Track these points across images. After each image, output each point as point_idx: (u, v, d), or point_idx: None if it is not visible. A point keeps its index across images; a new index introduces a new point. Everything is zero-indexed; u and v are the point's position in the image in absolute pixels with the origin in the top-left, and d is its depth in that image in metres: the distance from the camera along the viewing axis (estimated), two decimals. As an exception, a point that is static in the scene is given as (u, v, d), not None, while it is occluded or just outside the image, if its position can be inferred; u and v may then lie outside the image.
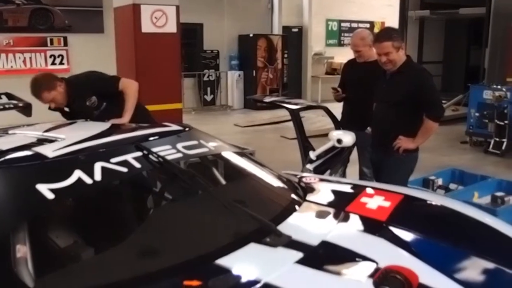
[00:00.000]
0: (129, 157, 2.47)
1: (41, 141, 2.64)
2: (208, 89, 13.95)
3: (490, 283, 2.24)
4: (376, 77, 4.27)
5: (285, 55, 14.78)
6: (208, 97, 14.00)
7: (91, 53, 11.66)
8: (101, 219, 2.63)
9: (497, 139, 8.53)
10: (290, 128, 4.78)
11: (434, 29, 15.97)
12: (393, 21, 14.83)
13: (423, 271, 2.07)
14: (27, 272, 1.92)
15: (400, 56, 4.01)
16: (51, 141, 2.62)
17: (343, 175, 4.52)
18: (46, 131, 2.91)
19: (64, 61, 11.75)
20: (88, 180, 2.25)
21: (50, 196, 2.11)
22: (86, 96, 4.35)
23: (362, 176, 5.06)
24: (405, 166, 4.15)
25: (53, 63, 11.63)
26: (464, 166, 6.64)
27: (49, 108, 4.31)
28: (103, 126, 3.12)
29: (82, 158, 2.39)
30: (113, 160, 2.41)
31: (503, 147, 8.42)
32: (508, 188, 5.08)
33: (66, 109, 4.39)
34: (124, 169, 2.40)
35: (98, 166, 2.33)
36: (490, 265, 2.26)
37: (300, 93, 15.52)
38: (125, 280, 1.96)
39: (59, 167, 2.32)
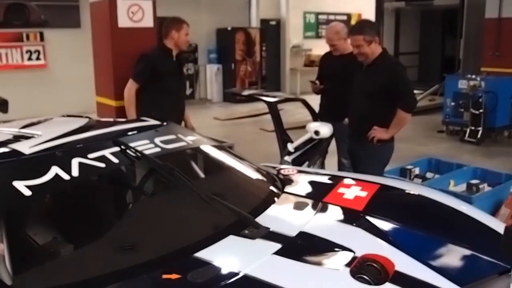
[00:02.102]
0: (106, 152, 2.47)
1: (17, 138, 2.63)
2: (187, 82, 13.89)
3: (465, 269, 2.30)
4: (353, 69, 4.32)
5: (264, 48, 14.77)
6: (187, 91, 13.94)
7: (68, 48, 11.55)
8: (79, 215, 2.63)
9: (473, 128, 8.65)
10: (269, 121, 4.80)
11: (410, 21, 16.09)
12: (369, 13, 14.91)
13: (399, 259, 2.11)
14: (4, 270, 1.90)
15: (372, 49, 4.06)
16: (27, 137, 2.61)
17: (321, 166, 4.56)
18: (23, 127, 2.89)
19: (41, 56, 11.61)
20: (66, 176, 2.25)
21: (27, 192, 2.10)
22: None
23: (340, 166, 5.11)
24: (380, 156, 4.20)
25: (29, 59, 11.49)
26: (441, 155, 6.72)
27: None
28: (80, 121, 3.10)
29: (59, 154, 2.38)
30: (91, 155, 2.41)
31: (479, 136, 8.54)
32: (483, 176, 5.16)
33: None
34: (102, 165, 2.40)
35: (75, 162, 2.33)
36: (465, 251, 2.31)
37: (279, 85, 15.53)
38: (104, 275, 1.97)
39: (36, 164, 2.31)
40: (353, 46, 4.09)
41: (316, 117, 4.88)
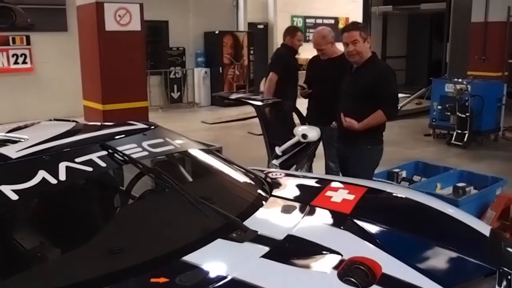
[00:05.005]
0: (94, 156, 2.46)
1: (4, 142, 2.61)
2: (175, 86, 13.86)
3: (451, 271, 2.32)
4: (341, 73, 4.34)
5: (251, 52, 14.78)
6: (175, 95, 13.91)
7: (54, 52, 11.49)
8: (66, 219, 2.61)
9: (459, 131, 8.71)
10: (257, 124, 4.80)
11: (397, 24, 16.20)
12: (357, 17, 14.97)
13: (386, 261, 2.12)
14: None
15: (366, 48, 4.09)
16: (14, 141, 2.59)
17: (309, 170, 4.57)
18: (9, 131, 2.87)
19: (27, 60, 11.52)
20: (53, 180, 2.24)
21: (14, 197, 2.09)
22: None
23: (328, 170, 5.12)
24: (370, 159, 4.22)
25: (15, 62, 11.40)
26: (428, 158, 6.76)
27: None
28: (67, 125, 3.09)
29: (46, 158, 2.37)
30: (78, 159, 2.40)
31: (465, 139, 8.60)
32: (469, 179, 5.19)
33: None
34: (89, 169, 2.39)
35: (62, 166, 2.32)
36: (452, 254, 2.33)
37: (267, 89, 15.54)
38: (92, 279, 1.96)
39: (22, 168, 2.30)
40: (348, 44, 4.06)
41: (304, 120, 4.89)
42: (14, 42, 11.37)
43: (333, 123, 4.48)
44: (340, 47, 4.86)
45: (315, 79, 5.12)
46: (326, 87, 4.82)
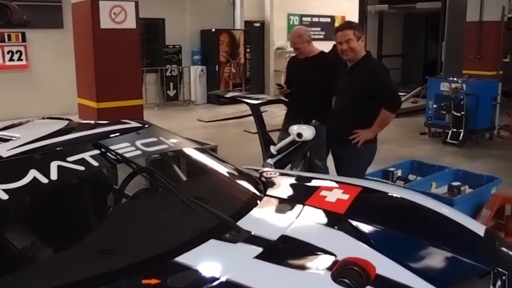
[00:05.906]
0: (86, 155, 2.43)
1: (-6, 141, 2.59)
2: (171, 84, 13.84)
3: (446, 271, 2.31)
4: (318, 71, 4.38)
5: (248, 50, 14.77)
6: (171, 93, 13.89)
7: (50, 49, 11.45)
8: (58, 219, 2.59)
9: (455, 130, 8.72)
10: (253, 123, 4.79)
11: (393, 23, 16.21)
12: (353, 16, 14.98)
13: (380, 262, 2.11)
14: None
15: (360, 46, 4.11)
16: (5, 140, 2.56)
17: (305, 169, 4.56)
18: (1, 130, 2.85)
19: (23, 57, 11.48)
20: (44, 180, 2.21)
21: (4, 196, 2.07)
22: None
23: (315, 168, 5.09)
24: (364, 157, 4.22)
25: (11, 59, 11.35)
26: (423, 157, 6.76)
27: None
28: (60, 124, 3.06)
29: (38, 157, 2.34)
30: (70, 158, 2.37)
31: (460, 138, 8.62)
32: (464, 178, 5.18)
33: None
34: (81, 168, 2.37)
35: (54, 165, 2.29)
36: (447, 254, 2.32)
37: (263, 87, 15.54)
38: (83, 280, 1.94)
39: (13, 167, 2.27)
40: (342, 43, 4.08)
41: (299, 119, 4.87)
42: (9, 39, 11.32)
43: (313, 121, 4.47)
44: (318, 46, 4.92)
45: (295, 78, 5.12)
46: (304, 85, 4.84)
